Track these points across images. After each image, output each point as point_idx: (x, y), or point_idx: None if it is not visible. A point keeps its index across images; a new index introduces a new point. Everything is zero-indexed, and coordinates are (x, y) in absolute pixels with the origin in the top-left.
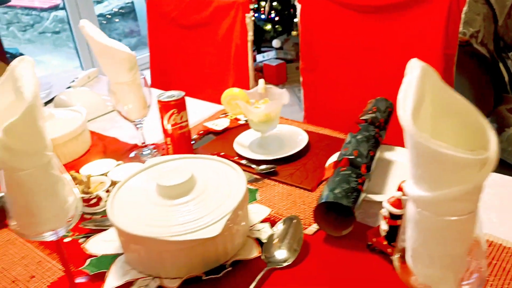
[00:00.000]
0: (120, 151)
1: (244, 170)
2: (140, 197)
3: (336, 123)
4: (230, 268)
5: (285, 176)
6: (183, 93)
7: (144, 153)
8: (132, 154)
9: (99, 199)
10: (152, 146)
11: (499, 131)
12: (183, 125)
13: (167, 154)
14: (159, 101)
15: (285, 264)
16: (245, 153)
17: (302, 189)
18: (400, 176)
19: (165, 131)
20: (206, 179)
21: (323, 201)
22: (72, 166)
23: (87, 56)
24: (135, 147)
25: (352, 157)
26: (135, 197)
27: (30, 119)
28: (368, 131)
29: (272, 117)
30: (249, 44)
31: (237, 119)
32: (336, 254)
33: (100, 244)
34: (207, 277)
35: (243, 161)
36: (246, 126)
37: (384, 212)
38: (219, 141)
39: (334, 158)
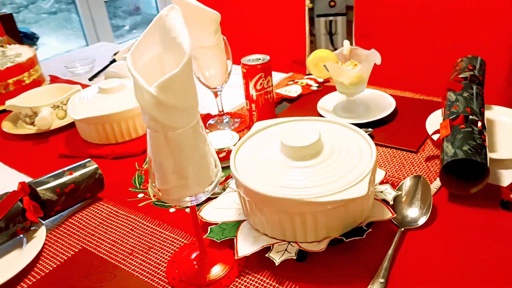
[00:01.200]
0: None
1: None
2: (263, 161)
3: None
4: (370, 230)
5: (383, 138)
6: (268, 57)
7: (224, 121)
8: (211, 121)
9: None
10: (229, 116)
11: None
12: (268, 90)
13: (251, 121)
14: (244, 65)
15: (419, 224)
16: (332, 117)
17: (404, 151)
18: (508, 134)
19: (249, 96)
20: (329, 140)
21: (453, 158)
22: None
23: (93, 34)
24: (208, 116)
25: (467, 114)
26: (257, 161)
27: (188, 73)
28: (473, 89)
29: (363, 79)
30: (307, 10)
31: (309, 85)
32: (467, 213)
33: (214, 212)
34: (349, 239)
35: None
36: (319, 93)
37: None
38: (296, 107)
39: (434, 117)
